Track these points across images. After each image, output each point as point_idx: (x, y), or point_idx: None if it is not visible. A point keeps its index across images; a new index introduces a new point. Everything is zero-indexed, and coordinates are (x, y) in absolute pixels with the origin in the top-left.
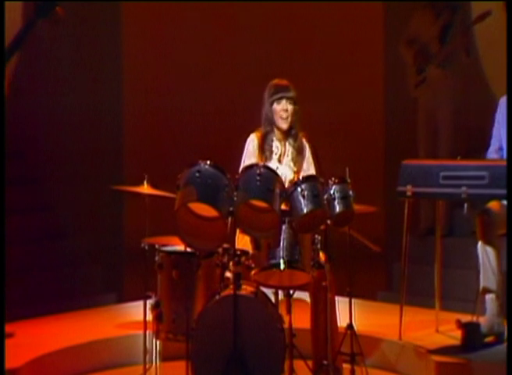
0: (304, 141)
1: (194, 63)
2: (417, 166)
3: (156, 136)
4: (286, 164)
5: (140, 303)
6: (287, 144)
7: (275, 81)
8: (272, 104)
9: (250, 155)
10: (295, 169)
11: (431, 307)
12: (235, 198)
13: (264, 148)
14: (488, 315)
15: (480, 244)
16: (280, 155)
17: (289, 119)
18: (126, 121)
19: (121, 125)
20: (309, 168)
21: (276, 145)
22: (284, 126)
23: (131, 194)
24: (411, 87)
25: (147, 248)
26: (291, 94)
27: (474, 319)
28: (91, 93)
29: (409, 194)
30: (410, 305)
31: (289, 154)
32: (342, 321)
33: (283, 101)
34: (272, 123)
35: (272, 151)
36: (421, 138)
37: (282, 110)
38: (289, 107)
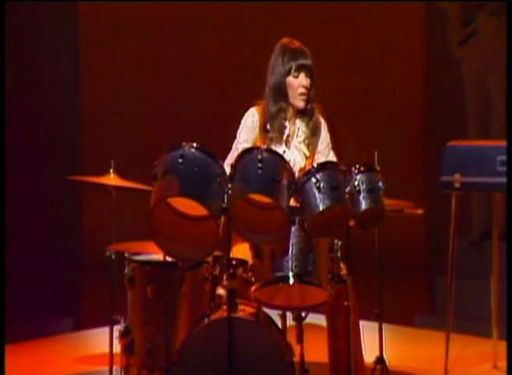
0: (318, 117)
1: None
2: (466, 148)
3: (123, 114)
4: (296, 147)
5: (105, 330)
6: (298, 121)
7: (286, 41)
8: (286, 74)
9: (247, 130)
10: (308, 153)
11: (486, 335)
12: (229, 192)
13: (271, 127)
14: None
15: None
16: (288, 136)
17: (306, 96)
18: (85, 98)
19: (79, 102)
20: (325, 150)
21: (285, 124)
22: (301, 104)
23: (93, 187)
24: (455, 45)
25: (113, 256)
26: (310, 62)
27: None
28: (45, 68)
29: (457, 185)
30: (458, 332)
31: (301, 134)
32: (369, 352)
33: (302, 74)
34: (285, 99)
35: (282, 132)
36: (470, 112)
37: (302, 86)
38: (309, 81)
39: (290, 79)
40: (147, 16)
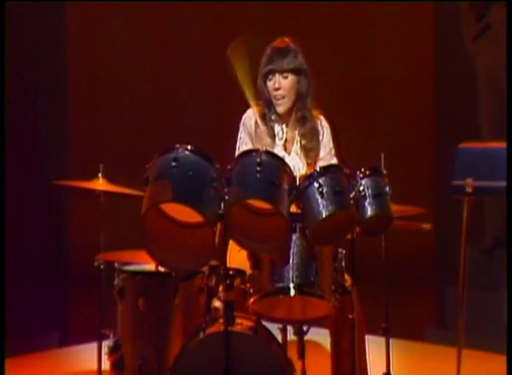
0: (322, 121)
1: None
2: (479, 150)
3: (113, 116)
4: (296, 153)
5: (93, 345)
6: (297, 127)
7: (274, 43)
8: (264, 79)
9: (246, 138)
10: (308, 160)
11: (500, 351)
12: (226, 197)
13: (263, 131)
14: None
15: None
16: (286, 141)
17: (287, 98)
18: (73, 100)
19: (66, 104)
20: (327, 156)
21: (281, 128)
22: (280, 108)
23: (80, 192)
24: (469, 40)
25: (102, 266)
26: (286, 64)
27: None
28: (31, 69)
29: (469, 190)
30: (470, 347)
31: (300, 140)
32: (376, 369)
33: (276, 76)
34: (270, 103)
35: (274, 136)
36: (483, 112)
37: (273, 89)
38: (284, 83)
39: (267, 83)
40: (137, 15)
